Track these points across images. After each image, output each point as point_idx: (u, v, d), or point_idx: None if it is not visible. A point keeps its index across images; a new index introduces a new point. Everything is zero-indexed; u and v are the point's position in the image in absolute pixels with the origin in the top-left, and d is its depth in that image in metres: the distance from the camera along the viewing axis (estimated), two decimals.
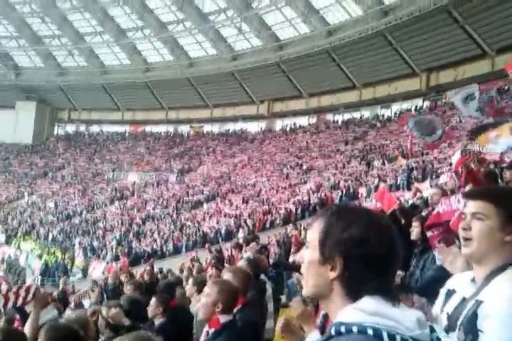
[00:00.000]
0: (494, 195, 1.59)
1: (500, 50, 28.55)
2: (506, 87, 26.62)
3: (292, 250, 10.85)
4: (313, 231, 1.20)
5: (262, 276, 5.45)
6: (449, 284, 1.72)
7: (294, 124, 40.45)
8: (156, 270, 13.99)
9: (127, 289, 5.87)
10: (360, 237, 1.14)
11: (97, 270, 24.54)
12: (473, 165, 8.18)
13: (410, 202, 10.07)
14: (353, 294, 1.14)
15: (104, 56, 48.17)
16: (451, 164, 11.52)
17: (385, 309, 1.11)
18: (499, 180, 6.33)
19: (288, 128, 40.57)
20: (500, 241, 1.53)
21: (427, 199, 7.90)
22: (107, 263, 24.83)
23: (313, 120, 39.83)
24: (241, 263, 5.28)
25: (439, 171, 19.31)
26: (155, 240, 27.17)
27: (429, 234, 4.34)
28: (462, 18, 28.94)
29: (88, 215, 35.78)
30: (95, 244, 29.94)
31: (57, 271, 26.24)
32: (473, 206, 1.58)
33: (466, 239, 1.58)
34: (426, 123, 17.63)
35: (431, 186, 12.53)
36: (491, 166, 8.43)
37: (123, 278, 8.59)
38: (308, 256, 1.21)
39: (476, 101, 16.93)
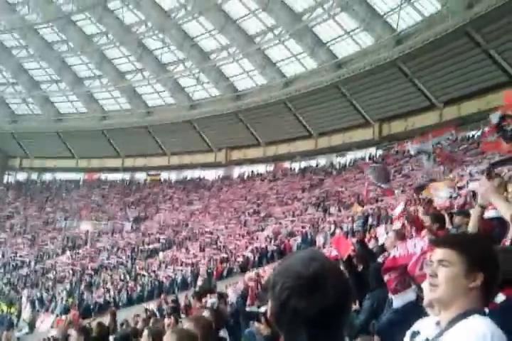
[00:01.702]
0: (458, 243, 1.64)
1: (447, 102, 30.06)
2: (454, 137, 27.89)
3: (248, 301, 10.62)
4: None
5: (222, 333, 5.32)
6: (415, 326, 1.76)
7: (252, 172, 40.76)
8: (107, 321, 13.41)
9: (72, 335, 5.46)
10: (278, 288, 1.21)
11: (46, 323, 23.33)
12: (421, 208, 8.51)
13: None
14: None
15: (59, 104, 47.94)
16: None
17: None
18: (448, 225, 6.50)
19: (245, 176, 40.81)
20: (465, 287, 1.57)
21: (383, 244, 8.00)
22: (57, 315, 23.67)
23: (271, 168, 40.28)
24: (205, 314, 5.15)
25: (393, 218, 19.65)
26: (108, 290, 26.17)
27: (385, 277, 4.37)
28: (411, 72, 30.52)
29: (37, 266, 34.28)
30: (44, 295, 28.54)
31: (1, 326, 24.69)
32: (439, 253, 1.63)
33: (433, 285, 1.62)
34: (381, 171, 18.25)
35: (386, 232, 12.74)
36: (442, 212, 8.71)
37: (72, 331, 8.13)
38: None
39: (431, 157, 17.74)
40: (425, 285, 2.92)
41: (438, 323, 1.62)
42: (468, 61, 27.75)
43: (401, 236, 6.02)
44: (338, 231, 18.84)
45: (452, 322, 1.54)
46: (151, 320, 13.70)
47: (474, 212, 2.91)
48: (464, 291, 1.56)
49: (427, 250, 3.96)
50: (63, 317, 22.35)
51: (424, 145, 19.37)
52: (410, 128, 30.89)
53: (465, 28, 26.89)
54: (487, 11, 25.33)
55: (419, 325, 1.76)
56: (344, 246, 6.98)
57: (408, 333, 1.77)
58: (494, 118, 11.59)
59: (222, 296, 14.00)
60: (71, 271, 31.55)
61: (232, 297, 14.71)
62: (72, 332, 5.68)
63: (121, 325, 13.87)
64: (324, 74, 33.94)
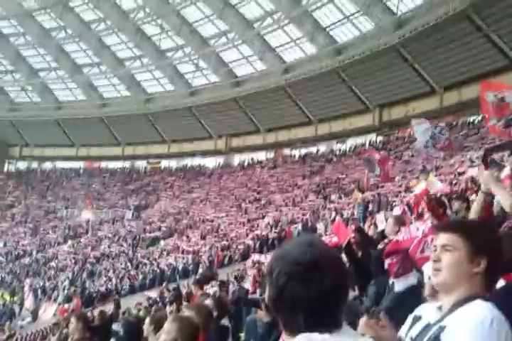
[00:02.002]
0: (463, 228, 1.66)
1: (447, 87, 29.84)
2: (454, 123, 27.76)
3: (251, 289, 10.61)
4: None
5: (224, 321, 5.30)
6: (417, 311, 1.77)
7: (252, 159, 40.67)
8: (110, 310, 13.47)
9: (71, 322, 5.42)
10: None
11: (48, 312, 23.46)
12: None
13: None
14: (291, 332, 1.23)
15: (58, 92, 47.71)
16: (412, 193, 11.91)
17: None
18: (448, 210, 6.48)
19: (246, 164, 40.73)
20: (468, 272, 1.58)
21: (383, 231, 7.97)
22: (59, 304, 23.79)
23: (271, 155, 40.19)
24: (207, 302, 5.13)
25: (393, 204, 19.63)
26: (110, 279, 26.27)
27: (387, 261, 4.39)
28: (411, 56, 30.23)
29: (39, 255, 34.41)
30: (46, 284, 28.67)
31: (4, 316, 24.77)
32: (443, 238, 1.65)
33: (437, 270, 1.64)
34: (369, 161, 18.27)
35: (386, 219, 12.70)
36: (442, 197, 8.66)
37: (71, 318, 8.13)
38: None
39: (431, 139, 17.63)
40: (425, 268, 2.89)
41: (440, 308, 1.62)
42: (469, 45, 27.47)
43: (400, 222, 5.97)
44: (337, 218, 18.82)
45: (454, 307, 1.55)
46: (153, 308, 13.79)
47: (477, 199, 2.87)
48: (467, 276, 1.58)
49: (427, 233, 3.94)
50: (66, 305, 22.49)
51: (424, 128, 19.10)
52: (411, 113, 30.63)
53: (465, 11, 26.57)
54: None
55: (420, 310, 1.77)
56: (343, 232, 6.96)
57: (410, 318, 1.78)
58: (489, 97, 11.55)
59: (224, 284, 14.06)
60: (73, 260, 31.66)
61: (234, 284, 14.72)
62: (72, 319, 5.68)
63: (123, 313, 13.95)
64: (324, 59, 33.64)
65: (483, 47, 27.33)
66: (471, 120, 27.91)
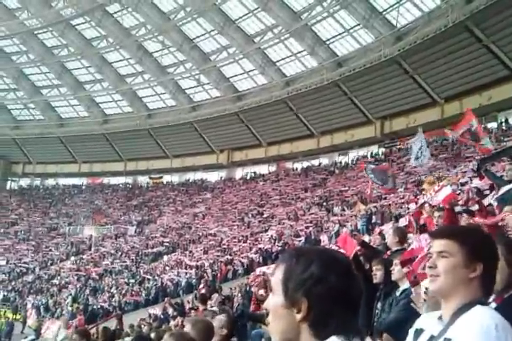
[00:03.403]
0: (458, 234, 1.65)
1: (448, 98, 29.88)
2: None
3: (252, 307, 10.44)
4: (276, 276, 1.23)
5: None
6: (417, 323, 1.76)
7: (254, 173, 40.63)
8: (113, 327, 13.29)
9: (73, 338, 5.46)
10: (321, 274, 1.17)
11: (51, 329, 23.14)
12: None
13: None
14: (321, 334, 1.16)
15: (61, 109, 48.01)
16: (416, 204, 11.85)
17: None
18: None
19: (248, 177, 40.68)
20: (465, 277, 1.57)
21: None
22: (62, 316, 23.51)
23: (273, 168, 40.16)
24: (219, 317, 5.00)
25: (397, 215, 19.49)
26: (113, 295, 26.06)
27: (405, 270, 4.37)
28: (411, 68, 30.35)
29: (42, 272, 34.22)
30: (49, 302, 28.45)
31: (9, 334, 24.43)
32: (438, 245, 1.64)
33: (433, 276, 1.62)
34: (380, 172, 18.19)
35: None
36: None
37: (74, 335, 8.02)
38: (272, 301, 1.23)
39: (427, 151, 17.71)
40: (423, 284, 2.83)
41: (440, 318, 1.60)
42: (469, 56, 27.57)
43: (400, 233, 5.88)
44: (344, 230, 18.69)
45: (455, 315, 1.53)
46: (154, 324, 13.62)
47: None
48: (464, 281, 1.57)
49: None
50: (69, 322, 22.24)
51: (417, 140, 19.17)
52: (412, 125, 30.66)
53: (465, 22, 26.71)
54: (486, 5, 25.15)
55: (421, 322, 1.75)
56: (350, 245, 6.88)
57: (411, 331, 1.75)
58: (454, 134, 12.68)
59: (229, 299, 13.89)
60: (76, 277, 31.45)
61: (238, 299, 14.55)
62: (74, 336, 5.69)
63: (130, 328, 13.80)
64: (325, 72, 33.80)
65: (483, 58, 27.42)
66: (473, 130, 27.82)
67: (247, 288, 16.03)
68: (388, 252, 5.98)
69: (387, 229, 14.64)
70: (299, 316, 1.17)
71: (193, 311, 12.08)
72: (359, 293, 1.22)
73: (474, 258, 1.57)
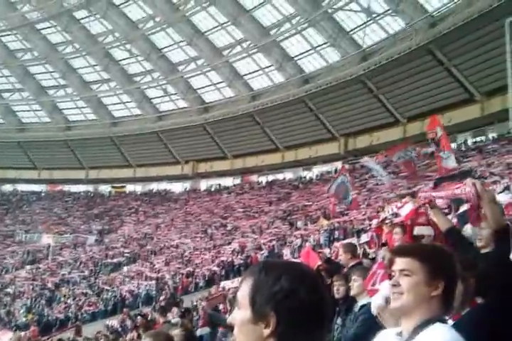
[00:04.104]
0: (419, 252, 1.67)
1: (411, 118, 30.73)
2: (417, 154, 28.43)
3: (200, 323, 10.30)
4: (243, 290, 1.18)
5: None
6: (377, 339, 1.76)
7: (219, 185, 40.59)
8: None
9: None
10: (291, 288, 1.14)
11: (3, 340, 22.40)
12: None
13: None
14: None
15: (22, 113, 46.95)
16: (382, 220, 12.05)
17: None
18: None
19: (212, 189, 40.59)
20: (427, 295, 1.59)
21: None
22: (15, 331, 22.78)
23: (238, 181, 40.21)
24: (175, 332, 5.01)
25: (359, 231, 19.86)
26: (69, 306, 25.45)
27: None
28: (376, 88, 31.12)
29: None
30: (2, 311, 27.52)
31: None
32: (400, 263, 1.65)
33: (397, 294, 1.63)
34: (342, 187, 18.50)
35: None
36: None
37: None
38: (239, 316, 1.18)
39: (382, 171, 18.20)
40: (374, 300, 2.96)
41: (400, 334, 1.62)
42: (431, 78, 28.50)
43: (348, 249, 5.93)
44: (307, 244, 18.88)
45: (414, 332, 1.55)
46: (112, 336, 13.40)
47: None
48: (425, 299, 1.58)
49: (378, 267, 4.05)
50: (22, 333, 21.58)
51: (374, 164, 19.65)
52: (375, 143, 31.40)
53: (428, 46, 27.67)
54: (449, 30, 26.16)
55: (380, 338, 1.75)
56: (313, 259, 6.99)
57: None
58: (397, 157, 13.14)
59: (189, 312, 13.79)
60: (31, 286, 30.57)
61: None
62: None
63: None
64: (291, 88, 34.28)
65: (445, 80, 28.40)
66: (437, 137, 28.61)
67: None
68: (345, 269, 6.02)
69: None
70: (266, 331, 1.13)
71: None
72: (328, 307, 1.20)
73: (436, 276, 1.59)
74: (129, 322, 15.76)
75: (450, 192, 5.43)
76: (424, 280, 1.59)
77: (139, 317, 10.68)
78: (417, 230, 5.41)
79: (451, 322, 2.19)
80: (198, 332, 8.64)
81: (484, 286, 2.34)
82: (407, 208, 8.92)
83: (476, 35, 25.76)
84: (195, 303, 16.54)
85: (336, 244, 17.22)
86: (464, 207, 8.05)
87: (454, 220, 8.26)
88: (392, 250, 2.13)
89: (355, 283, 4.39)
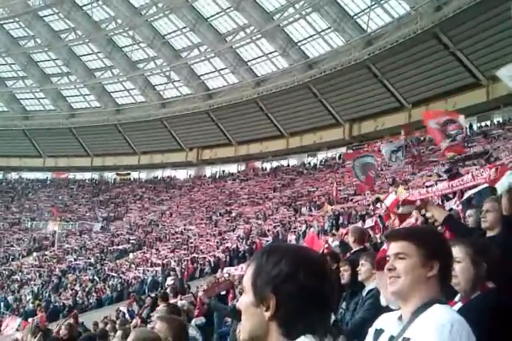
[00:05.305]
0: (413, 235, 1.68)
1: (415, 103, 30.53)
2: (422, 138, 28.33)
3: (196, 313, 10.37)
4: (247, 274, 1.21)
5: (193, 331, 5.23)
6: (377, 324, 1.77)
7: (223, 172, 40.61)
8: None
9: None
10: (290, 272, 1.15)
11: (11, 326, 22.66)
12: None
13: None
14: (290, 333, 1.14)
15: (26, 101, 46.94)
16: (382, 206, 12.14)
17: None
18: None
19: (217, 176, 40.63)
20: (423, 277, 1.60)
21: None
22: (23, 318, 23.04)
23: (242, 167, 40.22)
24: (159, 327, 5.03)
25: (362, 216, 19.84)
26: (76, 293, 25.68)
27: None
28: (380, 73, 30.86)
29: (2, 268, 33.43)
30: (10, 298, 27.82)
31: None
32: (395, 247, 1.66)
33: (393, 277, 1.64)
34: (363, 164, 18.64)
35: None
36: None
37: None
38: (243, 300, 1.20)
39: (401, 153, 18.25)
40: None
41: (400, 318, 1.62)
42: (436, 63, 28.22)
43: (354, 233, 5.87)
44: (310, 230, 18.92)
45: (414, 315, 1.56)
46: (118, 322, 13.51)
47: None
48: (422, 281, 1.60)
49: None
50: (29, 319, 21.83)
51: (394, 144, 19.74)
52: (380, 128, 31.25)
53: (433, 29, 27.36)
54: (454, 13, 25.83)
55: (380, 322, 1.76)
56: (317, 244, 7.02)
57: (371, 331, 1.78)
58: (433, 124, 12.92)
59: (195, 297, 13.86)
60: (37, 273, 30.85)
61: None
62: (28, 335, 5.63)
63: (93, 326, 13.65)
64: (295, 74, 34.07)
65: (450, 65, 28.13)
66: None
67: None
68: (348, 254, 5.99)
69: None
70: (267, 314, 1.14)
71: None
72: (331, 292, 1.19)
73: (430, 257, 1.60)
74: (136, 308, 15.87)
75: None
76: (420, 261, 1.60)
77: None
78: (402, 209, 5.66)
79: (460, 305, 2.22)
80: (193, 322, 8.64)
81: (496, 271, 2.33)
82: (390, 198, 9.05)
83: (482, 19, 25.41)
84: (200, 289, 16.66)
85: (342, 229, 17.25)
86: (470, 192, 8.06)
87: (459, 207, 8.27)
88: (386, 235, 2.11)
89: (363, 268, 4.38)
